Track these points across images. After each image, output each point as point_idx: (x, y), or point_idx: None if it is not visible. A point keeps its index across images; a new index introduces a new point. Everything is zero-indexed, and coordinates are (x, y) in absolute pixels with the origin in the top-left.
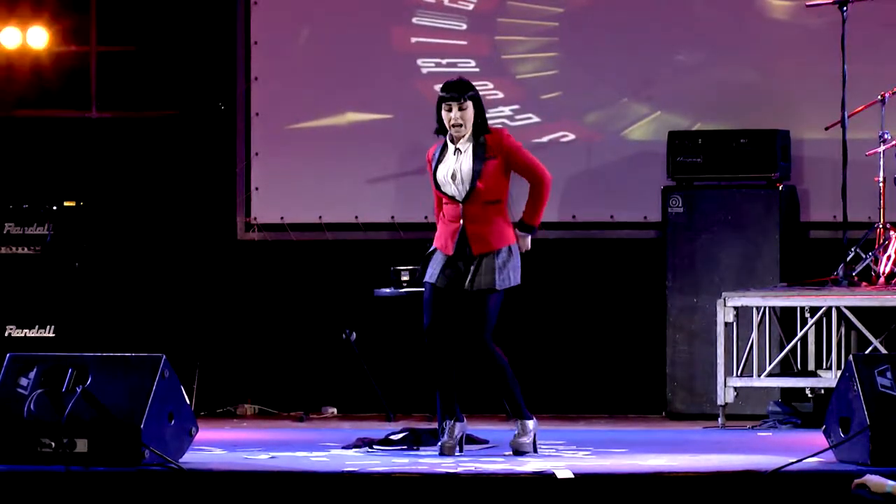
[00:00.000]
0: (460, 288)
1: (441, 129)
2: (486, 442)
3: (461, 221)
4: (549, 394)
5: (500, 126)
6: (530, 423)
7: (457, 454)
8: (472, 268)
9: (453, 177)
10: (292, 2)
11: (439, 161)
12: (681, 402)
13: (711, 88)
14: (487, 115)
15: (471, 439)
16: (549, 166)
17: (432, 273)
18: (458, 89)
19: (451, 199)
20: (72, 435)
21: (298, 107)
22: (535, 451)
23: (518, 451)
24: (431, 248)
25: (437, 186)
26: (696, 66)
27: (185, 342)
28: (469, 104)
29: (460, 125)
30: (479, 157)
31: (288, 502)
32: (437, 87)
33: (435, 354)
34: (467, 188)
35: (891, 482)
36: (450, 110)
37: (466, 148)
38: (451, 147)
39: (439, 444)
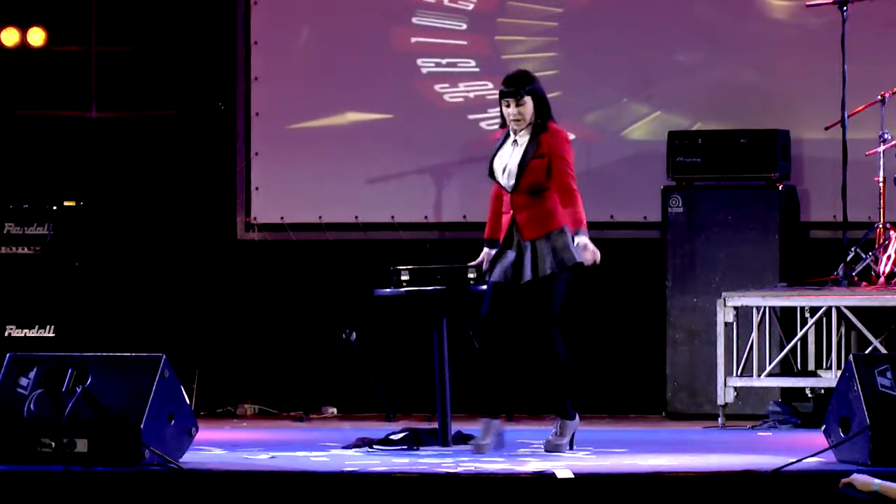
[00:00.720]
0: (518, 280)
1: (504, 122)
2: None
3: (511, 211)
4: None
5: (561, 128)
6: (571, 424)
7: (489, 453)
8: (526, 257)
9: (504, 168)
10: (292, 2)
11: (498, 150)
12: (681, 402)
13: (711, 88)
14: (488, 115)
15: (469, 438)
16: None
17: (489, 268)
18: (516, 84)
19: (502, 188)
20: (72, 435)
21: (298, 107)
22: (572, 448)
23: (551, 450)
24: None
25: (491, 174)
26: (696, 66)
27: (185, 342)
28: (527, 99)
29: (519, 120)
30: (528, 153)
31: (288, 502)
32: (438, 87)
33: (490, 346)
34: (513, 182)
35: (877, 481)
36: (508, 106)
37: (524, 141)
38: (511, 138)
39: (473, 442)
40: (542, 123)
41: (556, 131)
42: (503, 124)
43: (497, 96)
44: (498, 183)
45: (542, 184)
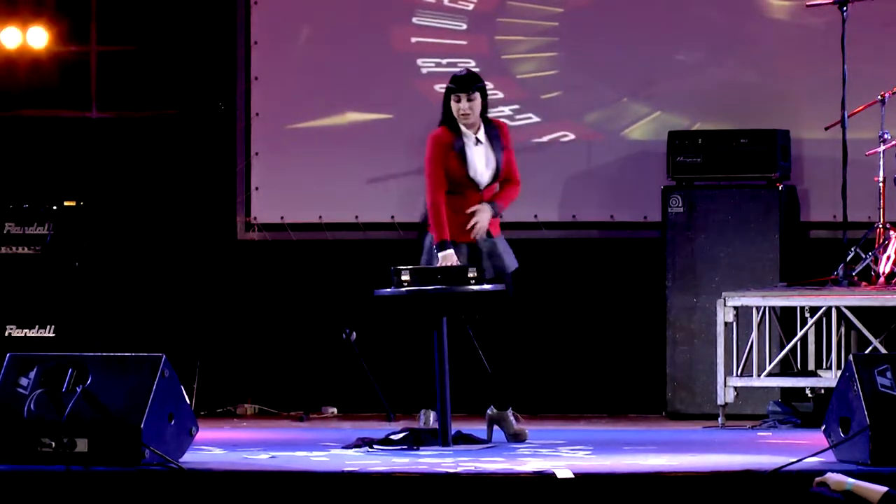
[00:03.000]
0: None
1: (447, 120)
2: (484, 441)
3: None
4: (550, 394)
5: (500, 120)
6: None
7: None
8: (486, 252)
9: (479, 166)
10: (292, 2)
11: (462, 150)
12: (681, 401)
13: (711, 88)
14: (488, 115)
15: (469, 438)
16: (549, 166)
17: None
18: (468, 81)
19: (474, 187)
20: (72, 435)
21: (298, 107)
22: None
23: (520, 438)
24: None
25: (465, 175)
26: (696, 66)
27: (185, 342)
28: (477, 95)
29: (468, 114)
30: (497, 147)
31: (288, 502)
32: (438, 87)
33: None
34: (491, 179)
35: (850, 480)
36: (459, 101)
37: (485, 138)
38: (471, 137)
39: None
40: (488, 119)
41: (504, 124)
42: (445, 122)
43: (495, 96)
44: (471, 182)
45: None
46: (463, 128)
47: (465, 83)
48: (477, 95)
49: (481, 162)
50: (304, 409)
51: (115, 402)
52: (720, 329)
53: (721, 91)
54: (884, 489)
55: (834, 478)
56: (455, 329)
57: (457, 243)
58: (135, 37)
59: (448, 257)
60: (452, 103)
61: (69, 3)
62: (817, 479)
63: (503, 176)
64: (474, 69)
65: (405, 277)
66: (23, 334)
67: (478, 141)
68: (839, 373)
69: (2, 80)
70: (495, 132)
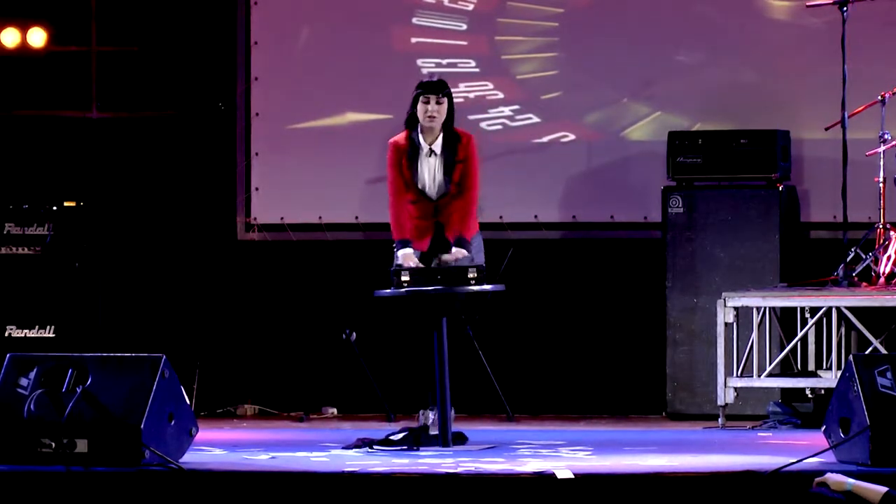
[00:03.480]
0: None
1: (411, 122)
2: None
3: (433, 218)
4: (550, 394)
5: (467, 132)
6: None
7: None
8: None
9: (433, 181)
10: (292, 2)
11: (413, 159)
12: (681, 402)
13: (711, 88)
14: (488, 115)
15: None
16: (549, 166)
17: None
18: (438, 84)
19: (425, 198)
20: (72, 435)
21: (298, 107)
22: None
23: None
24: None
25: (414, 185)
26: (696, 66)
27: (185, 342)
28: (445, 100)
29: (434, 117)
30: (449, 161)
31: (288, 502)
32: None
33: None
34: (442, 192)
35: (851, 480)
36: (427, 102)
37: (439, 149)
38: (424, 147)
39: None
40: (451, 130)
41: (469, 136)
42: (409, 124)
43: (494, 97)
44: (421, 194)
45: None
46: (420, 137)
47: (435, 86)
48: (445, 100)
49: (429, 175)
50: (304, 409)
51: (115, 403)
52: (720, 329)
53: (721, 91)
54: (884, 489)
55: (834, 478)
56: (455, 329)
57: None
58: (135, 37)
59: (407, 256)
60: (420, 104)
61: (69, 3)
62: (817, 479)
63: (458, 186)
64: (474, 70)
65: (405, 278)
66: (23, 335)
67: (431, 152)
68: (839, 373)
69: (2, 81)
70: (455, 144)
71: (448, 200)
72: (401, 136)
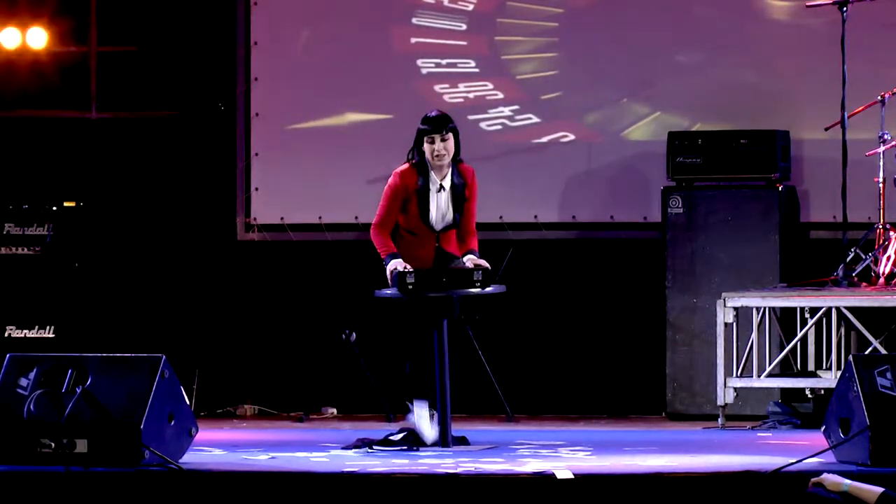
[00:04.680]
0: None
1: (419, 164)
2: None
3: (436, 244)
4: (550, 394)
5: (470, 166)
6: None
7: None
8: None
9: (441, 217)
10: (292, 2)
11: (423, 195)
12: (681, 402)
13: (711, 88)
14: (488, 115)
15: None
16: (549, 166)
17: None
18: (441, 121)
19: (429, 230)
20: (72, 435)
21: (298, 107)
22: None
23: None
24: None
25: (421, 220)
26: (696, 66)
27: (185, 342)
28: (450, 135)
29: (443, 156)
30: (458, 199)
31: (288, 502)
32: (438, 87)
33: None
34: (448, 225)
35: (847, 481)
36: (433, 142)
37: (448, 185)
38: (436, 183)
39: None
40: (456, 165)
41: (474, 174)
42: (415, 162)
43: (494, 97)
44: (426, 227)
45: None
46: (432, 173)
47: (439, 124)
48: (450, 136)
49: (439, 210)
50: (304, 409)
51: (115, 403)
52: (720, 330)
53: (721, 91)
54: (880, 490)
55: (830, 479)
56: (455, 329)
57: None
58: (134, 37)
59: (399, 263)
60: (426, 145)
61: (69, 3)
62: (813, 479)
63: (461, 226)
64: (474, 70)
65: (410, 280)
66: (23, 335)
67: (441, 188)
68: (839, 373)
69: (2, 81)
70: (462, 181)
71: (446, 234)
72: (407, 171)
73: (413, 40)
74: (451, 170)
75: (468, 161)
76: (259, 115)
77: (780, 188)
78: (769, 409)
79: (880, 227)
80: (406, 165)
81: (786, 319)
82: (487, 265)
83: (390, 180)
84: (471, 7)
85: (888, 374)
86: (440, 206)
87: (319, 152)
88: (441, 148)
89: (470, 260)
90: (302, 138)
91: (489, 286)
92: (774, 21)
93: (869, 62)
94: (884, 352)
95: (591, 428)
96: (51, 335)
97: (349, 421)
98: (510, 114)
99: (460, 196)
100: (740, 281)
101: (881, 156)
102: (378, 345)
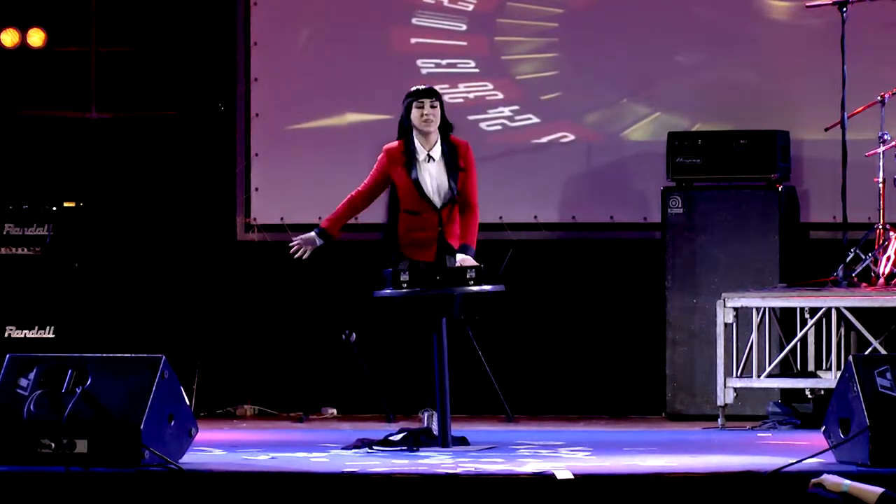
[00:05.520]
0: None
1: (404, 132)
2: (464, 440)
3: (439, 228)
4: (550, 394)
5: (463, 140)
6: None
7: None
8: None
9: (436, 185)
10: (292, 2)
11: (411, 166)
12: (680, 402)
13: (711, 89)
14: (488, 116)
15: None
16: (549, 167)
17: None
18: (430, 90)
19: (430, 208)
20: (72, 435)
21: (298, 107)
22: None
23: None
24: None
25: (418, 194)
26: (696, 67)
27: (185, 342)
28: (438, 105)
29: (431, 120)
30: (452, 168)
31: (287, 503)
32: (437, 87)
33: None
34: (447, 199)
35: (847, 481)
36: (422, 106)
37: (439, 156)
38: (422, 153)
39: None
40: (448, 137)
41: (467, 145)
42: (402, 134)
43: (494, 97)
44: (427, 203)
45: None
46: (417, 143)
47: (428, 90)
48: (438, 105)
49: (431, 181)
50: (304, 409)
51: (115, 403)
52: (720, 330)
53: (721, 91)
54: (880, 490)
55: (830, 479)
56: (455, 329)
57: (415, 262)
58: (134, 37)
59: (306, 240)
60: (415, 110)
61: (69, 3)
62: (813, 480)
63: (460, 198)
64: (474, 70)
65: (405, 278)
66: (22, 335)
67: (430, 158)
68: (839, 374)
69: (2, 81)
70: (454, 152)
71: (451, 211)
72: (395, 145)
73: (413, 40)
74: (439, 141)
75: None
76: (259, 115)
77: (779, 188)
78: (769, 409)
79: (880, 227)
80: (395, 142)
81: (786, 319)
82: (477, 264)
83: (380, 156)
84: (471, 7)
85: (888, 375)
86: (433, 175)
87: (319, 152)
88: (430, 112)
89: (462, 261)
90: (302, 138)
91: (483, 283)
92: (774, 21)
93: (869, 62)
94: (884, 352)
95: (591, 428)
96: (51, 335)
97: (349, 421)
98: (510, 114)
99: (454, 165)
100: (740, 281)
101: (881, 156)
102: (378, 345)
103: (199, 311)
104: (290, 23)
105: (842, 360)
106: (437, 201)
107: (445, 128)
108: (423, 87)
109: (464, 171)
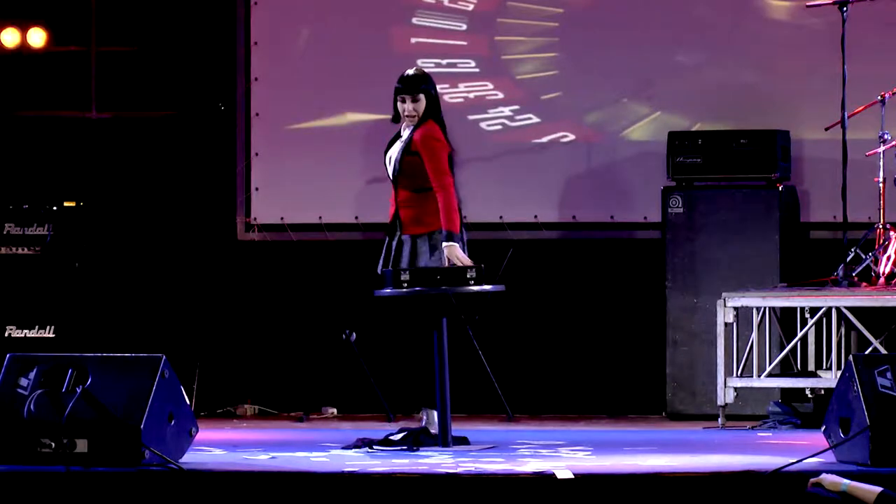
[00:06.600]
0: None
1: (396, 118)
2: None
3: (395, 205)
4: (550, 394)
5: (428, 125)
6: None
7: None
8: (404, 251)
9: (390, 160)
10: (292, 2)
11: (391, 144)
12: (681, 402)
13: (711, 88)
14: (488, 115)
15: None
16: (549, 166)
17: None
18: (413, 82)
19: (391, 180)
20: (72, 435)
21: (298, 107)
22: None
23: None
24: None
25: (385, 165)
26: (696, 66)
27: (185, 342)
28: (422, 97)
29: (413, 117)
30: (406, 149)
31: (288, 502)
32: (437, 87)
33: None
34: (393, 175)
35: (846, 480)
36: (403, 102)
37: (406, 136)
38: (403, 134)
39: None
40: (434, 117)
41: (429, 129)
42: (396, 119)
43: (494, 97)
44: (389, 175)
45: (422, 183)
46: (402, 129)
47: (410, 85)
48: (422, 97)
49: (393, 154)
50: (304, 409)
51: (115, 403)
52: (720, 329)
53: (721, 91)
54: (879, 489)
55: (829, 478)
56: (455, 329)
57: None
58: (134, 37)
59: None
60: (399, 103)
61: (69, 3)
62: (812, 479)
63: (409, 177)
64: (474, 70)
65: (405, 278)
66: (23, 335)
67: (399, 137)
68: (839, 373)
69: (2, 80)
70: (412, 134)
71: (407, 196)
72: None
73: (413, 40)
74: (417, 124)
75: (468, 160)
76: (259, 115)
77: (780, 188)
78: (769, 409)
79: (880, 226)
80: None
81: (786, 319)
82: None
83: None
84: (471, 7)
85: (888, 374)
86: (392, 155)
87: (319, 152)
88: (411, 109)
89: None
90: (302, 138)
91: (483, 283)
92: (774, 21)
93: (869, 62)
94: (884, 352)
95: (591, 428)
96: (51, 335)
97: (349, 421)
98: (510, 114)
99: (406, 148)
100: (740, 281)
101: (881, 156)
102: (378, 345)
103: (200, 311)
104: (290, 23)
105: (842, 359)
106: (390, 172)
107: (433, 114)
108: (411, 72)
109: (414, 155)
